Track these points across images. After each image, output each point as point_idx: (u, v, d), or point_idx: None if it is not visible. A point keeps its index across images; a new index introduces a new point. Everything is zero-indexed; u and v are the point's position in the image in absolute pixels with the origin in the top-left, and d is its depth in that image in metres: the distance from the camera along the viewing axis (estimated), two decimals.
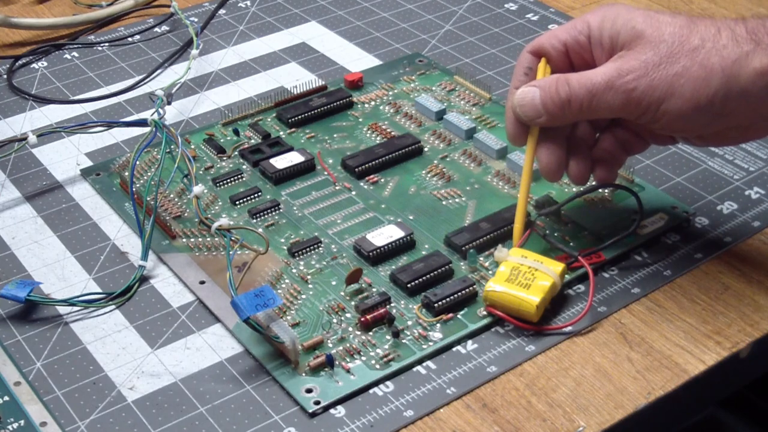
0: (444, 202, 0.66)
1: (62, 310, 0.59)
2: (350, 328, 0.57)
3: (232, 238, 0.57)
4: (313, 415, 0.52)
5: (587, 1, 0.90)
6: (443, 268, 0.59)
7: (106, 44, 0.85)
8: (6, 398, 0.53)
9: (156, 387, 0.54)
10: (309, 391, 0.53)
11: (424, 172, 0.68)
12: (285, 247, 0.62)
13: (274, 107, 0.75)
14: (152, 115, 0.66)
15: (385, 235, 0.61)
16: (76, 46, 0.85)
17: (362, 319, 0.56)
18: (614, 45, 0.57)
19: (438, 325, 0.57)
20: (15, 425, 0.51)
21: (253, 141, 0.71)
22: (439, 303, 0.57)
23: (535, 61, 0.61)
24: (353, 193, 0.67)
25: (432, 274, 0.59)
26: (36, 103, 0.78)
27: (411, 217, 0.64)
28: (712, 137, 0.58)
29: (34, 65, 0.82)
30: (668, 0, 0.90)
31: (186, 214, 0.65)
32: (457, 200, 0.66)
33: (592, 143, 0.61)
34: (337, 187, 0.67)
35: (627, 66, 0.55)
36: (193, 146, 0.71)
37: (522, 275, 0.57)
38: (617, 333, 0.57)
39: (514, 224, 0.59)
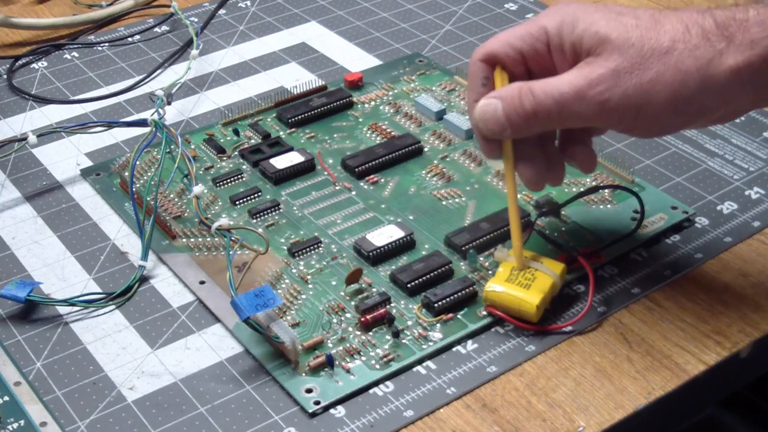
0: (444, 202, 0.66)
1: (62, 310, 0.59)
2: (350, 328, 0.57)
3: (232, 238, 0.57)
4: (313, 415, 0.52)
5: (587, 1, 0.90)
6: (443, 268, 0.59)
7: (106, 44, 0.85)
8: (6, 398, 0.53)
9: (156, 387, 0.54)
10: (309, 391, 0.53)
11: (424, 172, 0.68)
12: (285, 247, 0.62)
13: (274, 107, 0.75)
14: (152, 115, 0.66)
15: (385, 235, 0.61)
16: (76, 46, 0.85)
17: (362, 319, 0.56)
18: (578, 52, 0.54)
19: (438, 325, 0.57)
20: (15, 425, 0.51)
21: (253, 141, 0.71)
22: (439, 303, 0.57)
23: (489, 69, 0.56)
24: (353, 193, 0.67)
25: (432, 274, 0.59)
26: (36, 103, 0.78)
27: (411, 217, 0.64)
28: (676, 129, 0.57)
29: (34, 65, 0.82)
30: (668, 0, 0.90)
31: (186, 214, 0.65)
32: (457, 200, 0.66)
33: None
34: (337, 187, 0.67)
35: (596, 75, 0.52)
36: (193, 146, 0.71)
37: (522, 275, 0.56)
38: (617, 333, 0.57)
39: (511, 227, 0.57)
